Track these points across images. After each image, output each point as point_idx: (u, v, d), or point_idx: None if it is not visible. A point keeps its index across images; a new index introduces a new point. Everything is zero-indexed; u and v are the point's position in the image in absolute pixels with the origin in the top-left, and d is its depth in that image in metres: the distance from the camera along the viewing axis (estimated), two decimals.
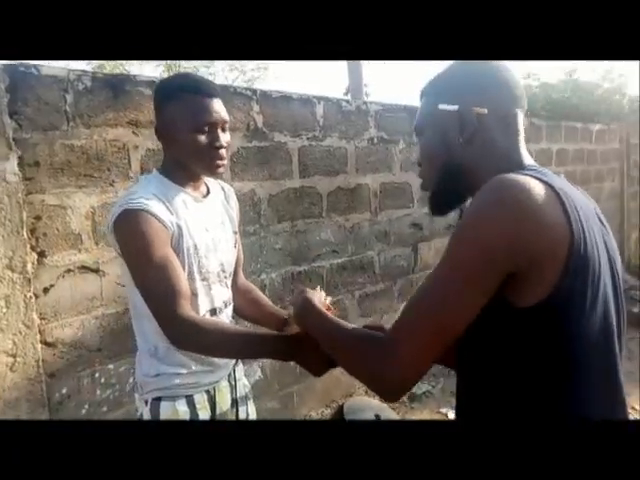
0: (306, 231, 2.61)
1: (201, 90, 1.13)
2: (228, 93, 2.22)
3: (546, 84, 7.96)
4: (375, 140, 2.94)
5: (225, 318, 1.29)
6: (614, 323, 0.74)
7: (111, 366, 1.94)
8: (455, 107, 0.79)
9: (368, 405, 2.88)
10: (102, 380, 1.93)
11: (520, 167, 0.77)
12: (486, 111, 0.78)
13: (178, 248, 1.14)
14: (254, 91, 2.36)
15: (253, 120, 2.34)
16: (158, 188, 1.15)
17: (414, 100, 3.72)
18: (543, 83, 8.10)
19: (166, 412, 1.17)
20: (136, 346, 1.24)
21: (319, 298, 1.02)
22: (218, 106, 1.16)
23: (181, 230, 1.14)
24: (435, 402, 3.13)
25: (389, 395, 0.75)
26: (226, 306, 1.29)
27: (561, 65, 8.38)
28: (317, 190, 2.64)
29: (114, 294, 1.92)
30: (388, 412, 2.88)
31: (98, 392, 1.92)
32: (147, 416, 1.19)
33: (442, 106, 0.80)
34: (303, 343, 0.99)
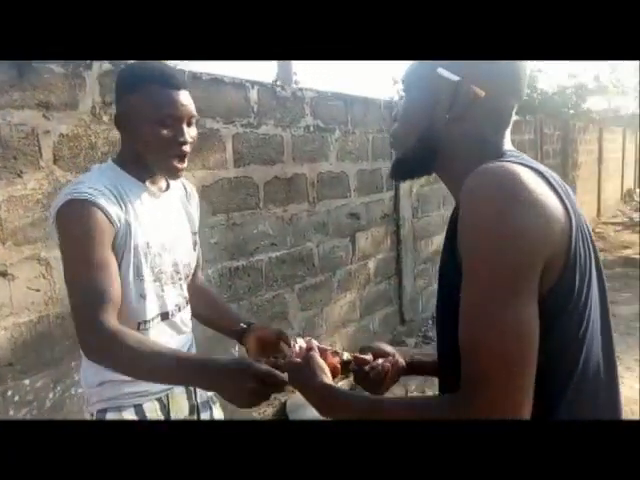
0: (243, 224, 2.47)
1: (168, 81, 1.05)
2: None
3: None
4: (311, 128, 2.85)
5: (179, 323, 1.19)
6: (608, 304, 0.72)
7: (26, 381, 1.71)
8: (456, 78, 0.71)
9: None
10: (16, 398, 1.70)
11: (502, 154, 0.72)
12: (484, 94, 0.70)
13: (125, 245, 1.04)
14: (182, 72, 2.17)
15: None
16: (111, 179, 1.07)
17: (346, 89, 3.67)
18: None
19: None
20: (56, 357, 1.08)
21: (319, 365, 0.83)
22: (185, 99, 1.07)
23: (130, 227, 1.04)
24: None
25: None
26: (180, 310, 1.18)
27: None
28: (253, 180, 2.50)
29: (26, 300, 1.69)
30: None
31: (11, 412, 1.68)
32: None
33: (442, 70, 0.72)
34: (241, 375, 0.85)
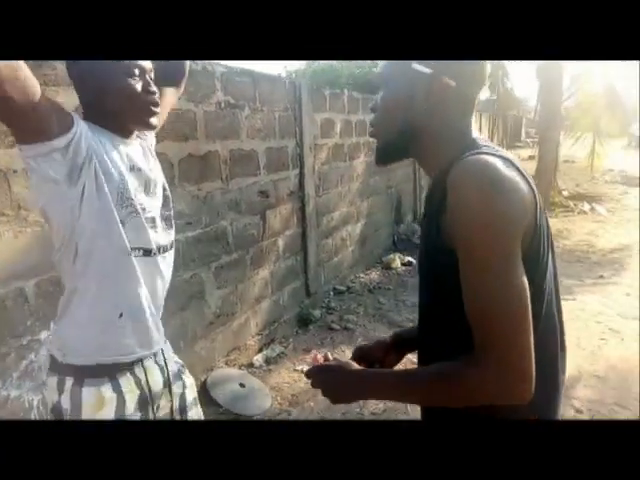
0: None
1: None
2: None
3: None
4: (222, 105, 2.81)
5: (162, 264, 1.21)
6: (556, 267, 0.86)
7: None
8: (428, 71, 0.80)
9: (230, 376, 2.87)
10: None
11: (472, 142, 0.82)
12: (454, 84, 0.80)
13: (98, 175, 1.06)
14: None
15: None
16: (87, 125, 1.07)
17: (254, 66, 3.65)
18: None
19: (89, 398, 1.09)
20: None
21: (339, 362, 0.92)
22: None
23: (107, 160, 1.07)
24: (290, 361, 3.26)
25: (529, 398, 0.71)
26: (161, 252, 1.20)
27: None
28: (168, 157, 2.42)
29: None
30: (250, 379, 2.91)
31: None
32: (66, 404, 1.10)
33: (416, 66, 0.81)
34: None
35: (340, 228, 4.53)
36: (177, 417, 1.30)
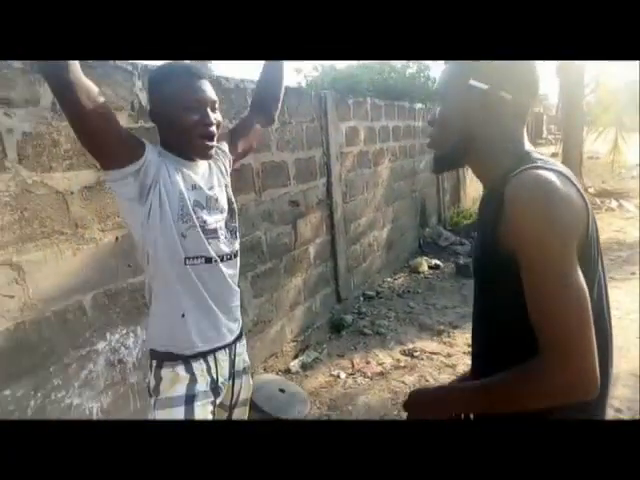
0: None
1: (189, 72, 1.19)
2: (108, 68, 1.98)
3: (365, 65, 8.67)
4: None
5: (224, 271, 1.33)
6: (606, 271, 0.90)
7: (7, 392, 1.63)
8: (485, 86, 0.85)
9: (269, 382, 2.94)
10: None
11: (526, 154, 0.87)
12: (510, 97, 0.85)
13: (164, 192, 1.20)
14: (135, 65, 2.13)
15: (137, 98, 2.12)
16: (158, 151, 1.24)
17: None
18: (363, 64, 8.79)
19: (167, 377, 1.27)
20: (34, 364, 1.39)
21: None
22: (206, 86, 1.21)
23: (170, 181, 1.21)
24: (325, 366, 3.33)
25: (595, 395, 0.75)
26: (223, 260, 1.32)
27: None
28: None
29: (0, 308, 1.61)
30: (289, 384, 2.98)
31: None
32: (151, 382, 1.30)
33: (473, 82, 0.85)
34: None
35: (367, 234, 4.59)
36: (226, 412, 1.44)
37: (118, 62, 2.05)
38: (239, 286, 2.80)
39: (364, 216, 4.49)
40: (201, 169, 1.31)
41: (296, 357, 3.36)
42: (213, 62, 3.78)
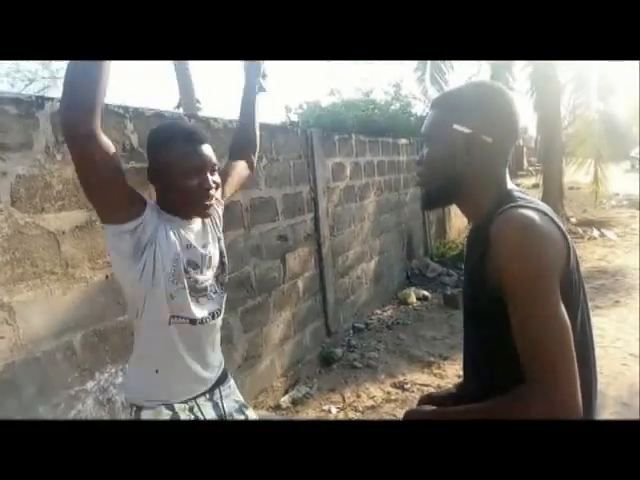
0: None
1: (190, 138, 1.22)
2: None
3: (350, 102, 8.91)
4: None
5: (209, 329, 1.35)
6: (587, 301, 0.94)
7: None
8: (468, 131, 0.91)
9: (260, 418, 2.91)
10: None
11: (508, 193, 0.93)
12: (491, 140, 0.91)
13: (160, 254, 1.21)
14: (126, 108, 2.20)
15: (128, 140, 2.19)
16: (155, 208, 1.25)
17: (269, 119, 3.86)
18: (346, 101, 9.04)
19: (147, 417, 1.27)
20: (23, 405, 1.43)
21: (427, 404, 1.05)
22: (207, 151, 1.25)
23: (164, 241, 1.22)
24: (316, 401, 3.31)
25: (577, 416, 0.78)
26: (213, 318, 1.34)
27: (359, 86, 9.42)
28: None
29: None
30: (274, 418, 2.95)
31: None
32: None
33: (456, 126, 0.92)
34: None
35: (355, 266, 4.64)
36: None
37: (109, 105, 2.12)
38: (229, 322, 2.81)
39: (352, 249, 4.55)
40: (196, 227, 1.33)
41: (286, 392, 3.34)
42: (202, 104, 3.88)
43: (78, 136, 1.01)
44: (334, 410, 3.17)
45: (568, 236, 0.87)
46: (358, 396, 3.34)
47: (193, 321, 1.28)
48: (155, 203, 1.27)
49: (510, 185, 0.96)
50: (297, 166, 3.64)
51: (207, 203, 1.24)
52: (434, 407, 1.00)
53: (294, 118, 8.44)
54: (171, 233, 1.24)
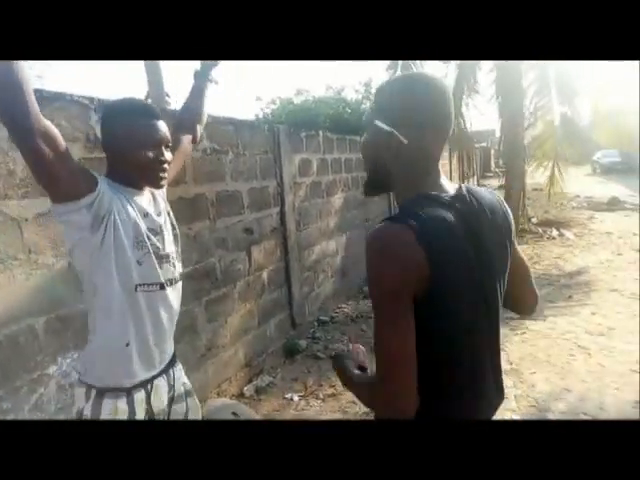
0: None
1: (149, 113, 1.31)
2: (64, 101, 2.08)
3: (321, 100, 9.01)
4: (208, 151, 3.05)
5: (171, 296, 1.41)
6: (481, 323, 0.96)
7: None
8: (388, 129, 0.93)
9: (223, 406, 2.99)
10: None
11: (415, 195, 0.94)
12: (406, 142, 0.93)
13: (119, 222, 1.26)
14: (91, 99, 2.24)
15: (92, 130, 2.22)
16: (107, 182, 1.30)
17: (235, 114, 3.91)
18: (318, 99, 9.12)
19: (107, 408, 1.30)
20: None
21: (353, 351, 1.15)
22: (163, 127, 1.33)
23: (123, 211, 1.28)
24: (279, 390, 3.40)
25: (405, 416, 0.86)
26: (171, 284, 1.40)
27: (330, 84, 9.53)
28: None
29: None
30: (242, 408, 3.03)
31: None
32: (87, 411, 1.31)
33: (378, 122, 0.95)
34: None
35: (321, 261, 4.74)
36: None
37: (75, 96, 2.15)
38: (194, 312, 2.87)
39: (318, 244, 4.66)
40: (147, 197, 1.40)
41: (250, 382, 3.42)
42: (171, 97, 3.90)
43: (16, 133, 1.08)
44: (296, 398, 3.27)
45: (437, 256, 0.86)
46: (320, 385, 3.44)
47: (162, 285, 1.35)
48: (105, 176, 1.32)
49: (430, 187, 0.96)
50: (263, 161, 3.71)
51: (162, 175, 1.33)
52: (345, 363, 1.09)
53: (266, 111, 8.47)
54: (127, 203, 1.29)
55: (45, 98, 1.95)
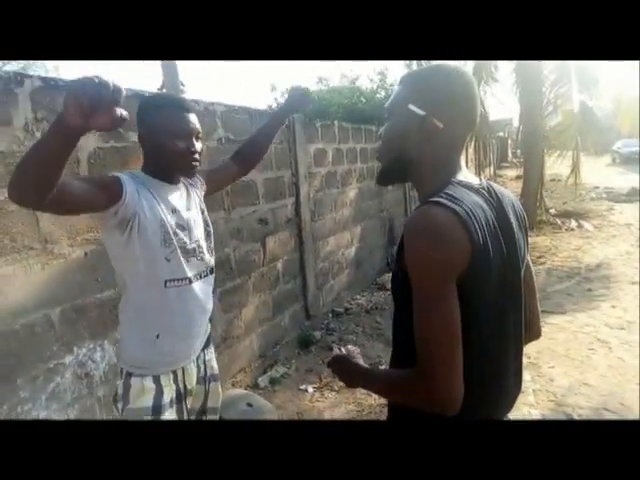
0: None
1: (181, 106, 1.37)
2: None
3: (335, 90, 8.92)
4: (223, 140, 3.02)
5: (199, 289, 1.45)
6: (509, 315, 0.95)
7: None
8: (422, 113, 0.92)
9: (238, 397, 2.99)
10: None
11: (447, 183, 0.92)
12: (442, 126, 0.92)
13: (147, 219, 1.31)
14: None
15: None
16: (140, 179, 1.35)
17: (250, 103, 3.87)
18: (332, 89, 9.04)
19: (135, 387, 1.37)
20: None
21: (350, 352, 1.12)
22: (194, 119, 1.40)
23: (154, 206, 1.33)
24: (293, 381, 3.39)
25: (451, 411, 0.83)
26: (200, 277, 1.46)
27: (344, 73, 9.43)
28: None
29: None
30: (256, 398, 3.03)
31: None
32: (120, 389, 1.40)
33: (411, 107, 0.93)
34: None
35: (336, 252, 4.71)
36: (197, 416, 1.54)
37: None
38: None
39: (332, 234, 4.62)
40: (179, 192, 1.45)
41: (264, 372, 3.42)
42: (185, 86, 3.86)
43: (42, 203, 1.00)
44: (311, 389, 3.25)
45: (481, 242, 0.85)
46: (334, 376, 3.42)
47: (190, 280, 1.40)
48: (140, 171, 1.39)
49: (460, 175, 0.96)
50: (279, 151, 3.67)
51: (193, 164, 1.39)
52: (355, 362, 1.06)
53: (281, 101, 8.43)
54: (154, 200, 1.34)
55: (61, 88, 1.93)
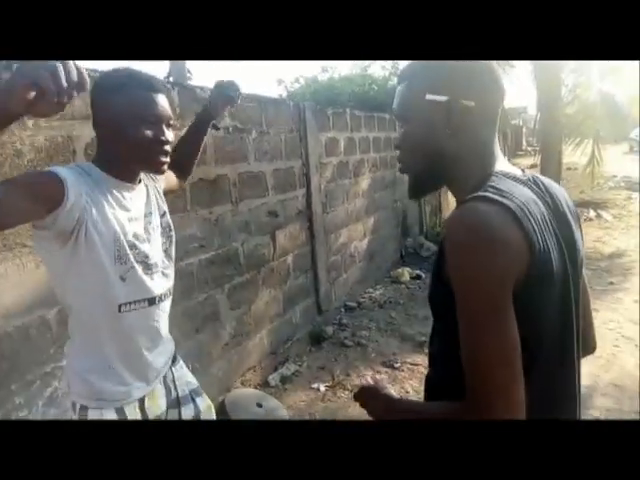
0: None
1: (148, 85, 1.09)
2: None
3: (347, 78, 8.72)
4: (230, 129, 2.88)
5: (161, 310, 1.24)
6: (572, 308, 0.80)
7: None
8: (444, 98, 0.79)
9: (248, 396, 2.88)
10: None
11: (487, 176, 0.79)
12: (473, 104, 0.78)
13: (97, 230, 1.06)
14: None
15: None
16: (89, 176, 1.09)
17: (259, 91, 3.73)
18: (344, 77, 8.84)
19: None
20: None
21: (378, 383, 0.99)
22: (163, 101, 1.12)
23: (103, 214, 1.08)
24: (305, 379, 3.28)
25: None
26: (163, 299, 1.23)
27: (357, 61, 9.23)
28: None
29: None
30: (267, 399, 2.92)
31: None
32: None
33: (430, 96, 0.80)
34: None
35: (348, 244, 4.57)
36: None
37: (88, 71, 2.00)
38: (215, 299, 2.75)
39: (344, 227, 4.47)
40: (139, 194, 1.21)
41: (275, 370, 3.30)
42: (192, 74, 3.72)
43: None
44: (323, 389, 3.14)
45: (536, 239, 0.73)
46: (347, 374, 3.31)
47: (152, 300, 1.18)
48: (92, 162, 1.14)
49: (499, 165, 0.83)
50: (288, 140, 3.53)
51: (162, 158, 1.12)
52: (388, 393, 0.91)
53: (290, 90, 8.27)
54: (107, 206, 1.09)
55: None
